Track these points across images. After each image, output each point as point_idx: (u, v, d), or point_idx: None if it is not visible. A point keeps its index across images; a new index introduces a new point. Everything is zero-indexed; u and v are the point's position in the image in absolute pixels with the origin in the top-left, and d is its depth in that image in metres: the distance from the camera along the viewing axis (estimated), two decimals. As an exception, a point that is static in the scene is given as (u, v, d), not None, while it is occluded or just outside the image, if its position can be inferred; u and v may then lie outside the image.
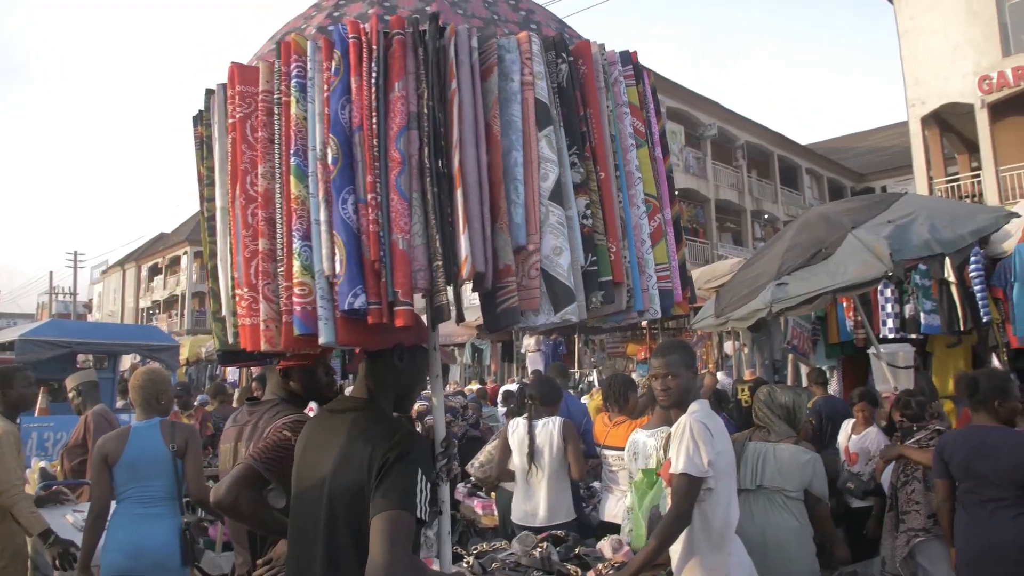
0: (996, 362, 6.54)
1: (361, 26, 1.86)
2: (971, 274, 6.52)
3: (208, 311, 2.54)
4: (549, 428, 4.77)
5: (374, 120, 1.80)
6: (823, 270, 4.81)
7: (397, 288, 1.74)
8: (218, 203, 2.07)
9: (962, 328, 6.68)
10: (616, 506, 4.65)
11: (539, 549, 3.72)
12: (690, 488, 2.99)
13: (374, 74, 1.81)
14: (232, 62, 2.00)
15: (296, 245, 1.80)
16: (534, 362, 14.08)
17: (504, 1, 2.19)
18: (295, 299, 1.78)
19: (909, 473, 4.66)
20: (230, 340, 2.04)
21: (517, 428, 4.92)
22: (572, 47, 2.11)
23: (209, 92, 2.14)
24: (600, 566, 3.46)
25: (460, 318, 2.40)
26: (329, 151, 1.79)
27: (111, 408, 9.77)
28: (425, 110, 1.82)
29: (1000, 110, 18.22)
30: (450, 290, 1.87)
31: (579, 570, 3.49)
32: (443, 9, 2.00)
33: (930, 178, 19.02)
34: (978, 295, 6.48)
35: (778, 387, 4.24)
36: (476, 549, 3.85)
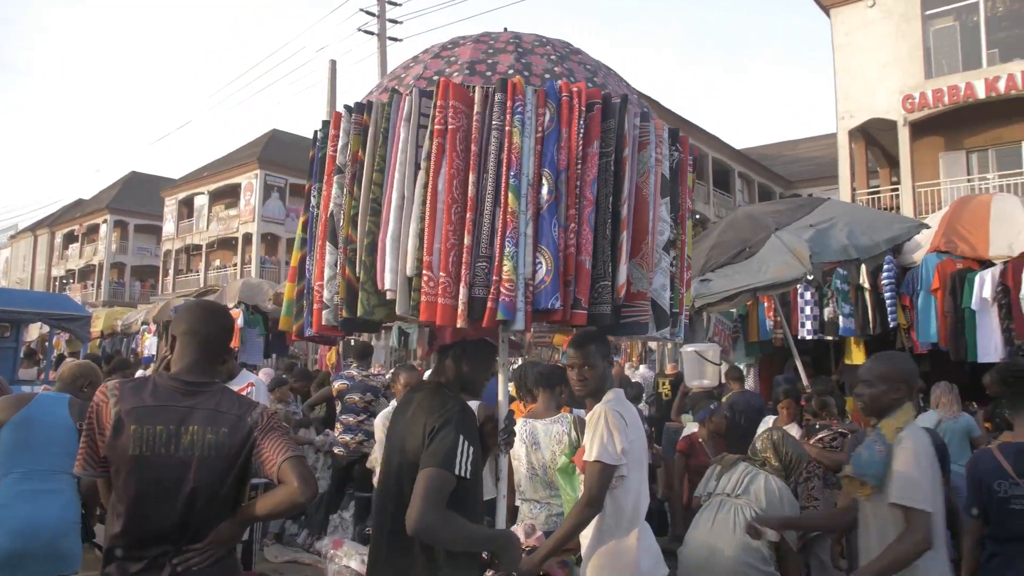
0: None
1: (572, 88, 2.40)
2: (883, 281, 6.79)
3: (335, 279, 2.57)
4: None
5: (578, 167, 2.36)
6: (745, 268, 4.91)
7: (580, 296, 2.32)
8: (395, 191, 2.35)
9: (872, 332, 6.95)
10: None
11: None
12: (603, 475, 3.02)
13: (581, 131, 2.37)
14: (443, 78, 2.41)
15: (508, 249, 2.24)
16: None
17: (612, 75, 2.76)
18: (503, 291, 2.22)
19: (811, 470, 4.81)
20: (410, 314, 2.33)
21: None
22: (680, 138, 2.83)
23: (394, 92, 2.49)
24: (512, 550, 3.47)
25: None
26: (545, 183, 2.30)
27: (13, 380, 9.29)
28: (611, 167, 2.44)
29: (920, 129, 19.01)
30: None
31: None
32: (572, 71, 2.57)
33: (853, 189, 19.71)
34: (888, 301, 6.75)
35: (790, 437, 4.28)
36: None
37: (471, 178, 2.31)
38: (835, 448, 4.59)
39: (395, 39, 20.05)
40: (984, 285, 6.39)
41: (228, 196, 37.80)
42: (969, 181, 18.73)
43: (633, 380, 10.43)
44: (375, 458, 5.20)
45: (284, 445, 2.24)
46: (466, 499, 2.40)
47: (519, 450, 4.18)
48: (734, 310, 7.17)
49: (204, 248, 38.31)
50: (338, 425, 7.27)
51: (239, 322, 12.11)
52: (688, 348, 6.98)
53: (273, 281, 20.66)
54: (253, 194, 35.61)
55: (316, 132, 2.83)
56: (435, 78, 2.48)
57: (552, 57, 2.63)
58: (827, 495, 4.60)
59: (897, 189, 19.75)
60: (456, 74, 2.49)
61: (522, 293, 2.24)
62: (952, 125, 18.95)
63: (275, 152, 36.52)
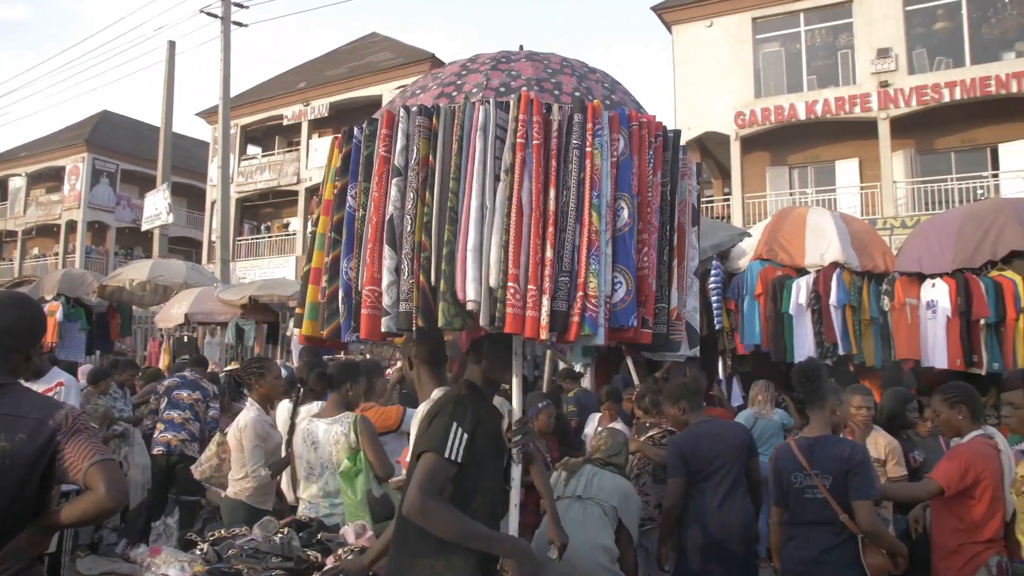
0: (720, 366, 7.29)
1: (640, 118, 2.52)
2: (710, 285, 7.19)
3: (395, 284, 2.46)
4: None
5: (648, 194, 2.50)
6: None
7: (647, 316, 2.45)
8: (474, 201, 2.33)
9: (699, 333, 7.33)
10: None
11: (280, 535, 3.60)
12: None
13: (650, 160, 2.51)
14: (524, 91, 2.42)
15: (593, 267, 2.30)
16: (299, 345, 13.64)
17: (630, 99, 2.78)
18: (589, 306, 2.28)
19: (642, 467, 5.01)
20: (494, 325, 2.32)
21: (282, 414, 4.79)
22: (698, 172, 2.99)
23: (467, 100, 2.45)
24: (340, 551, 3.40)
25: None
26: (625, 208, 2.40)
27: None
28: (668, 196, 2.60)
29: (749, 144, 20.36)
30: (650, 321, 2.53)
31: (319, 555, 3.42)
32: (624, 101, 2.68)
33: (688, 197, 20.73)
34: (714, 305, 7.16)
35: (610, 433, 4.54)
36: (212, 535, 3.67)
37: (551, 193, 2.34)
38: (664, 445, 4.80)
39: (240, 24, 19.24)
40: (800, 291, 6.91)
41: (49, 179, 35.00)
42: (791, 194, 20.23)
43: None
44: (207, 467, 4.89)
45: (90, 449, 2.09)
46: (471, 493, 2.45)
47: (300, 448, 4.17)
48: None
49: (20, 234, 35.25)
50: (159, 424, 6.86)
51: (58, 315, 11.30)
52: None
53: (99, 273, 19.34)
54: (79, 179, 33.15)
55: (353, 129, 2.68)
56: (501, 90, 2.48)
57: (605, 85, 2.72)
58: (657, 490, 4.79)
59: (728, 199, 21.03)
60: (525, 88, 2.48)
61: (603, 310, 2.32)
62: (778, 142, 20.43)
63: (105, 135, 34.14)
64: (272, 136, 29.21)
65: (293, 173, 27.26)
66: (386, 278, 2.40)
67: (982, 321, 6.68)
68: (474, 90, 2.52)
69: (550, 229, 2.32)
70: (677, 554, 4.31)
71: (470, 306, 2.32)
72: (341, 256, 2.57)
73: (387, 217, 2.43)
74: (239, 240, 28.05)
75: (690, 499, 4.21)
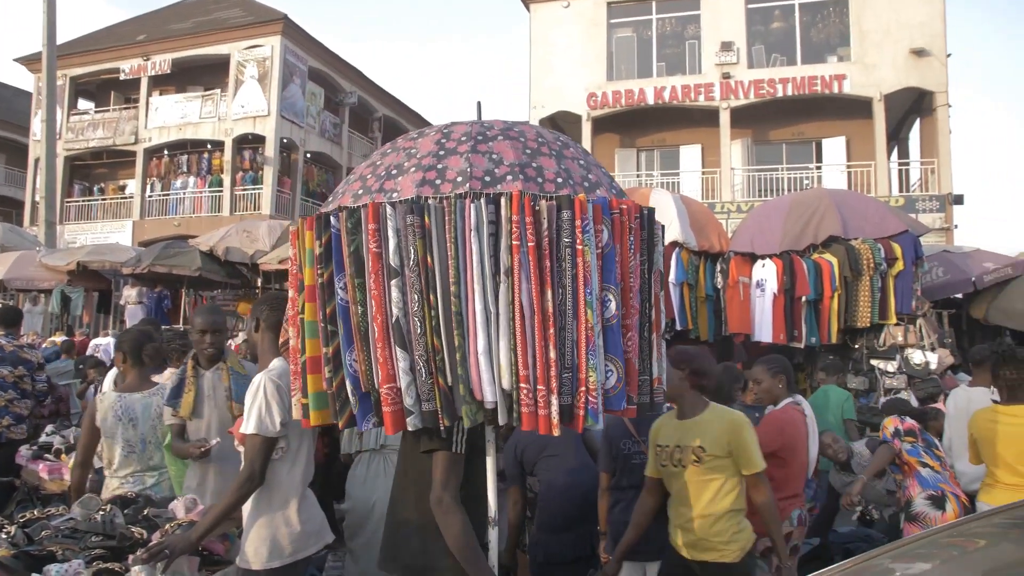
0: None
1: (621, 204, 2.52)
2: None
3: (413, 385, 2.44)
4: None
5: (631, 279, 2.54)
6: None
7: (631, 393, 2.54)
8: (478, 304, 2.34)
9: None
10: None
11: (103, 512, 3.41)
12: (262, 448, 2.96)
13: (631, 246, 2.54)
14: (515, 189, 2.40)
15: (592, 362, 2.36)
16: (134, 315, 12.88)
17: (603, 174, 2.79)
18: (591, 399, 2.36)
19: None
20: (512, 424, 2.40)
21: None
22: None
23: (458, 197, 2.39)
24: (168, 526, 3.26)
25: None
26: (612, 300, 2.44)
27: None
28: (645, 274, 2.64)
29: (600, 125, 20.94)
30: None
31: (144, 532, 3.26)
32: (599, 181, 2.70)
33: (540, 176, 21.09)
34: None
35: None
36: (23, 517, 3.45)
37: (548, 293, 2.37)
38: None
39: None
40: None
41: None
42: (638, 176, 21.02)
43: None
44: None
45: None
46: (465, 482, 2.61)
47: (114, 427, 4.02)
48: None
49: None
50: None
51: None
52: None
53: None
54: None
55: (330, 218, 2.50)
56: (487, 179, 2.45)
57: (581, 163, 2.72)
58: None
59: (579, 179, 21.51)
60: (510, 177, 2.47)
61: (600, 399, 2.41)
62: (627, 125, 21.13)
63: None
64: (107, 91, 27.14)
65: (131, 132, 25.46)
66: (403, 379, 2.40)
67: (803, 298, 7.21)
68: (459, 179, 2.45)
69: (551, 330, 2.36)
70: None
71: (488, 405, 2.39)
72: (342, 348, 2.51)
73: (393, 320, 2.40)
74: (68, 202, 26.02)
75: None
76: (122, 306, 13.89)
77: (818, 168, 20.10)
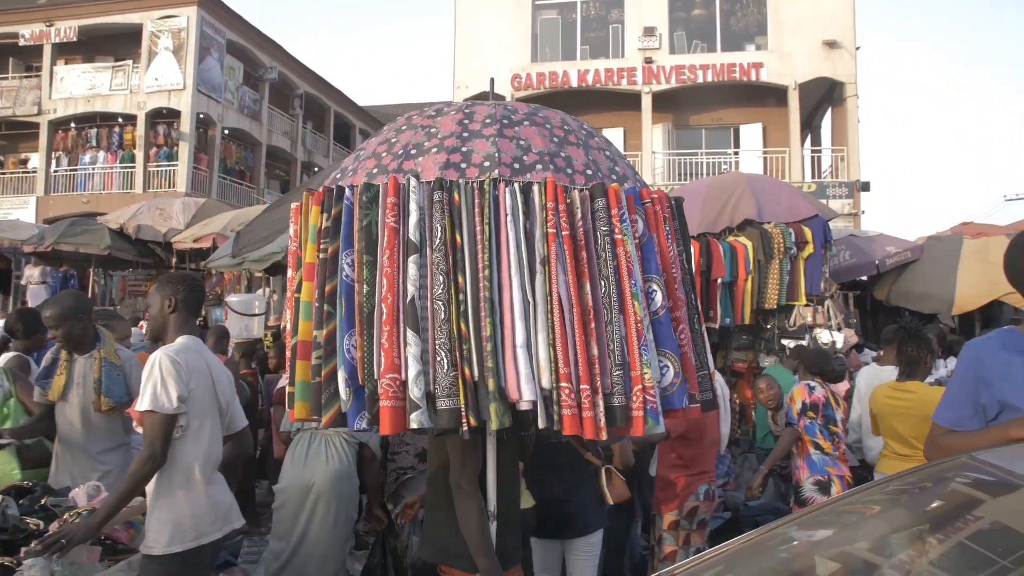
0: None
1: (652, 194, 2.47)
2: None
3: (422, 376, 2.15)
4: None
5: (673, 270, 2.44)
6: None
7: (692, 391, 2.40)
8: (516, 294, 2.20)
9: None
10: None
11: (-7, 503, 3.25)
12: (161, 426, 2.88)
13: (668, 235, 2.46)
14: (550, 176, 2.30)
15: (645, 356, 2.22)
16: (36, 295, 12.34)
17: (627, 166, 2.70)
18: (649, 398, 2.20)
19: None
20: (552, 427, 2.18)
21: None
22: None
23: (494, 181, 2.29)
24: (67, 515, 3.14)
25: None
26: (657, 290, 2.34)
27: None
28: (685, 265, 2.58)
29: (525, 106, 20.91)
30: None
31: (41, 523, 3.12)
32: (625, 174, 2.61)
33: (464, 156, 21.05)
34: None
35: None
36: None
37: (587, 286, 2.24)
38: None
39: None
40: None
41: None
42: (562, 159, 21.07)
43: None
44: None
45: None
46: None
47: None
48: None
49: None
50: None
51: None
52: (232, 299, 6.81)
53: None
54: None
55: (344, 190, 2.31)
56: (516, 166, 2.34)
57: (607, 154, 2.62)
58: (416, 439, 4.87)
59: (502, 161, 21.52)
60: (539, 167, 2.35)
61: (658, 398, 2.26)
62: (550, 107, 21.10)
63: None
64: (5, 57, 25.68)
65: (33, 103, 24.19)
66: (412, 368, 2.15)
67: (719, 280, 7.39)
68: (486, 163, 2.33)
69: (591, 324, 2.22)
70: None
71: (524, 406, 2.17)
72: (339, 332, 2.26)
73: (408, 299, 2.18)
74: (-37, 175, 24.65)
75: None
76: (23, 286, 13.29)
77: (736, 153, 20.61)
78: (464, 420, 2.14)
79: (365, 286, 2.24)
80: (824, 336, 8.12)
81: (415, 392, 2.13)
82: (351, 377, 2.23)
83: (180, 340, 3.04)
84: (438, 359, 2.16)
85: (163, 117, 23.61)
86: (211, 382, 3.09)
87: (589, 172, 2.43)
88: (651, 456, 4.73)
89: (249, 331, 7.14)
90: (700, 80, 20.01)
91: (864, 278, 10.04)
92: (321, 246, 2.34)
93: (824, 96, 21.16)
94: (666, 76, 20.11)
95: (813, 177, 20.59)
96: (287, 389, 2.44)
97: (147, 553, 2.94)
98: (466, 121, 2.47)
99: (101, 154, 23.94)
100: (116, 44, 24.27)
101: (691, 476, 4.31)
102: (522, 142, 2.42)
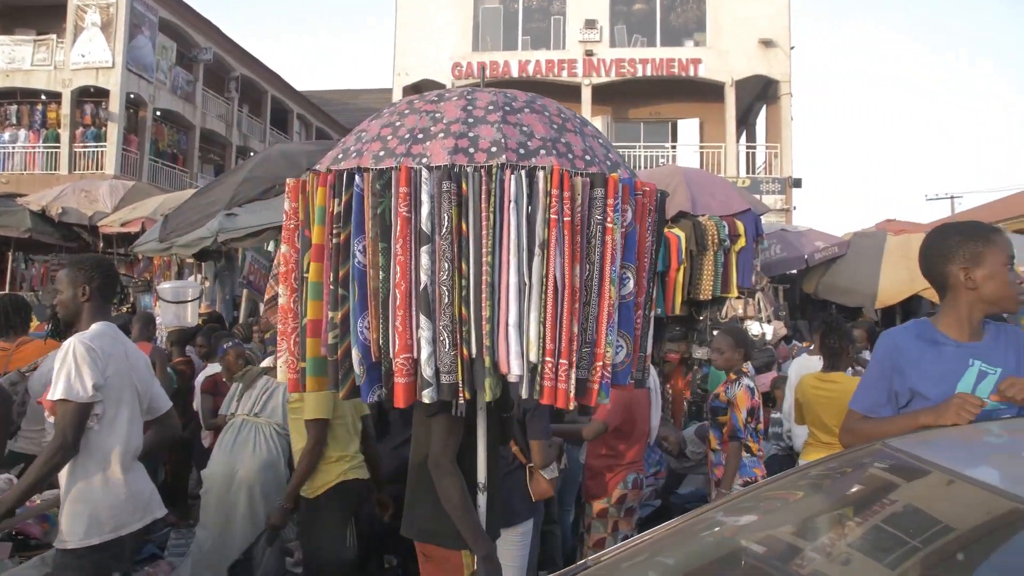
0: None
1: (644, 187, 2.60)
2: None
3: (434, 357, 2.34)
4: None
5: (645, 259, 2.62)
6: (274, 205, 4.86)
7: (634, 369, 2.61)
8: (513, 276, 2.32)
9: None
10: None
11: None
12: (75, 415, 2.78)
13: (649, 227, 2.64)
14: (557, 164, 2.39)
15: (610, 337, 2.41)
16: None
17: (622, 163, 2.78)
18: (605, 374, 2.40)
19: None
20: (533, 397, 2.36)
21: None
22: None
23: (500, 167, 2.38)
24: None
25: None
26: (631, 278, 2.52)
27: None
28: (653, 256, 2.71)
29: (465, 95, 20.83)
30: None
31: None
32: (618, 162, 2.71)
33: (403, 144, 20.92)
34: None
35: None
36: None
37: (577, 269, 2.39)
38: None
39: None
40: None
41: None
42: (503, 150, 21.08)
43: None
44: None
45: None
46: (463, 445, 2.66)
47: None
48: (271, 248, 7.08)
49: None
50: None
51: None
52: (164, 286, 6.60)
53: None
54: None
55: (355, 176, 2.37)
56: (521, 151, 2.43)
57: (600, 141, 2.75)
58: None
59: (442, 149, 21.43)
60: (543, 152, 2.46)
61: (612, 374, 2.47)
62: (491, 97, 21.10)
63: None
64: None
65: (-49, 77, 23.12)
66: (425, 349, 2.32)
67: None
68: (493, 148, 2.42)
69: (576, 304, 2.38)
70: None
71: (512, 379, 2.36)
72: (352, 315, 2.41)
73: (421, 287, 2.33)
74: None
75: None
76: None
77: (673, 147, 20.90)
78: (460, 394, 2.35)
79: (380, 272, 2.37)
80: (754, 328, 8.31)
81: (427, 371, 2.32)
82: (365, 355, 2.39)
83: (95, 327, 2.95)
84: (440, 339, 2.33)
85: (90, 96, 22.76)
86: (128, 368, 3.00)
87: (588, 158, 2.55)
88: (581, 445, 4.78)
89: (182, 319, 6.94)
90: (639, 74, 20.22)
91: (794, 272, 10.31)
92: (334, 231, 2.43)
93: (759, 93, 21.61)
94: (606, 69, 20.26)
95: (748, 172, 21.04)
96: (287, 365, 2.55)
97: (61, 547, 2.84)
98: (469, 107, 2.56)
99: (22, 132, 22.94)
100: (38, 16, 23.31)
101: (620, 465, 4.38)
102: (525, 128, 2.53)
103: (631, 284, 2.53)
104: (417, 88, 20.85)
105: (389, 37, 21.44)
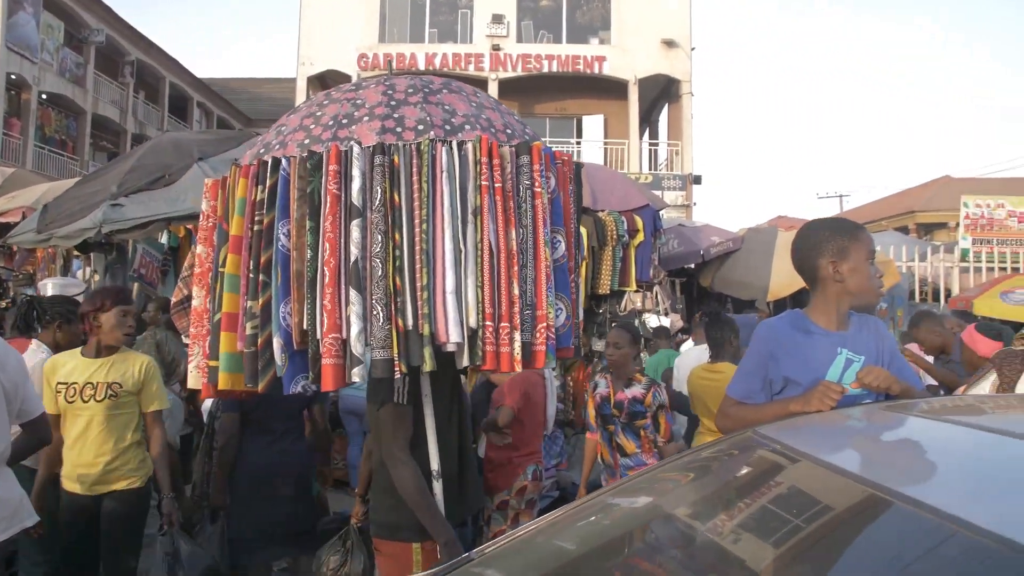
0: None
1: (562, 156, 2.75)
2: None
3: (365, 331, 2.28)
4: None
5: (572, 225, 2.74)
6: (163, 196, 4.69)
7: (574, 335, 2.68)
8: (448, 243, 2.36)
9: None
10: None
11: None
12: None
13: (572, 192, 2.79)
14: (484, 135, 2.51)
15: (550, 298, 2.49)
16: None
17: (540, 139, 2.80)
18: (549, 336, 2.48)
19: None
20: (475, 363, 2.39)
21: None
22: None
23: (431, 141, 2.43)
24: None
25: None
26: (561, 241, 2.61)
27: None
28: (576, 224, 2.84)
29: (371, 87, 20.58)
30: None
31: None
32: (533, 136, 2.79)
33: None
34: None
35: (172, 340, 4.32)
36: None
37: (512, 233, 2.45)
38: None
39: None
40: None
41: None
42: (411, 142, 20.94)
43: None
44: None
45: None
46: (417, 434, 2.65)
47: None
48: (164, 241, 6.82)
49: None
50: None
51: None
52: (47, 282, 6.29)
53: None
54: None
55: (280, 161, 2.41)
56: (447, 128, 2.50)
57: (516, 118, 2.84)
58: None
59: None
60: (468, 127, 2.54)
61: (556, 335, 2.53)
62: (398, 89, 20.92)
63: None
64: None
65: None
66: (355, 325, 2.29)
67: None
68: (420, 127, 2.49)
69: (515, 268, 2.44)
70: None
71: (450, 347, 2.36)
72: (275, 300, 2.37)
73: (352, 261, 2.31)
74: None
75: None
76: None
77: (578, 143, 21.20)
78: (396, 367, 2.30)
79: (309, 251, 2.35)
80: (652, 320, 8.54)
81: (357, 348, 2.28)
82: (287, 343, 2.35)
83: None
84: (374, 313, 2.30)
85: (-34, 76, 21.42)
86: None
87: (508, 131, 2.67)
88: (479, 437, 4.81)
89: None
90: (545, 70, 20.41)
91: (691, 266, 10.60)
92: (256, 218, 2.41)
93: (662, 92, 22.14)
94: (513, 64, 20.37)
95: (650, 169, 21.54)
96: (200, 368, 2.48)
97: None
98: (390, 92, 2.63)
99: None
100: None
101: (519, 457, 4.42)
102: (447, 107, 2.61)
103: (562, 247, 2.63)
104: (322, 79, 20.48)
105: (294, 25, 20.94)
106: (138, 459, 3.71)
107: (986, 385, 3.10)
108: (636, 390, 4.44)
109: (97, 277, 9.54)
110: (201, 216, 2.65)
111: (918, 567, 1.26)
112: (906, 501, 1.30)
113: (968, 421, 1.85)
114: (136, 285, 7.40)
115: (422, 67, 20.22)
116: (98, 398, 3.57)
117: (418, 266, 2.34)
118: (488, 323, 2.38)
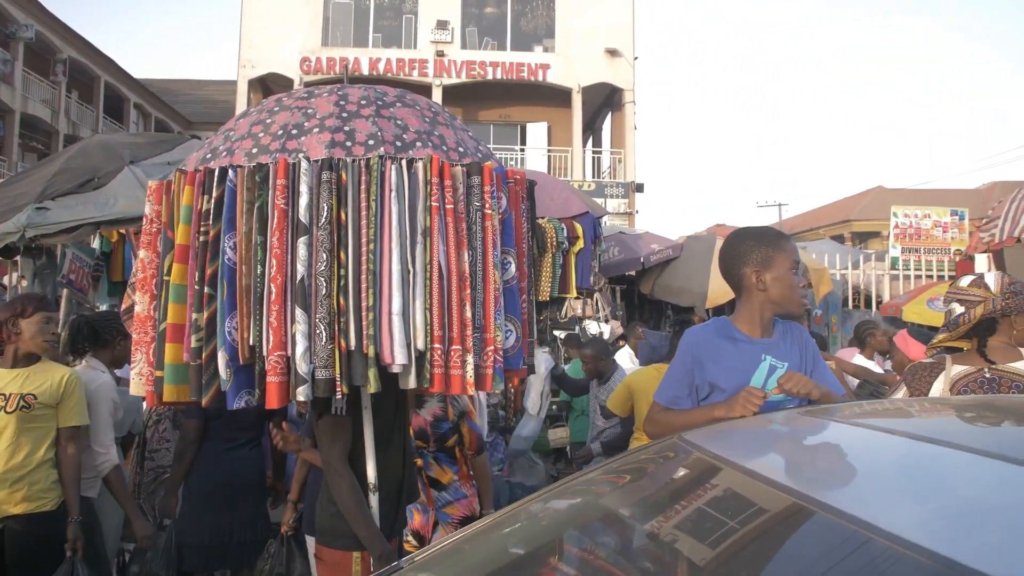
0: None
1: (515, 175, 2.71)
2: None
3: (309, 351, 2.25)
4: None
5: (523, 245, 2.69)
6: (92, 200, 4.58)
7: (525, 354, 2.64)
8: (396, 264, 2.32)
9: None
10: None
11: None
12: None
13: (524, 214, 2.74)
14: (435, 155, 2.45)
15: (498, 321, 2.45)
16: None
17: (493, 156, 2.83)
18: (497, 359, 2.44)
19: (161, 412, 4.76)
20: (422, 385, 2.37)
21: None
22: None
23: (380, 158, 2.39)
24: None
25: None
26: (512, 262, 2.56)
27: None
28: (530, 243, 2.82)
29: (314, 91, 20.38)
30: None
31: None
32: (488, 154, 2.78)
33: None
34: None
35: None
36: None
37: (465, 255, 2.42)
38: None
39: None
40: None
41: None
42: (354, 147, 20.80)
43: None
44: None
45: None
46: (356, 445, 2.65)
47: None
48: (96, 246, 6.64)
49: None
50: None
51: None
52: None
53: None
54: None
55: (227, 171, 2.33)
56: (398, 144, 2.45)
57: (470, 134, 2.81)
58: (176, 436, 4.58)
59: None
60: (419, 144, 2.49)
61: (504, 358, 2.51)
62: (341, 94, 20.76)
63: None
64: None
65: None
66: (300, 344, 2.25)
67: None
68: (370, 142, 2.43)
69: (466, 290, 2.40)
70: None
71: (395, 369, 2.33)
72: (219, 314, 2.31)
73: (298, 279, 2.27)
74: None
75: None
76: None
77: (522, 150, 21.31)
78: (338, 388, 2.28)
79: (258, 266, 2.31)
80: (592, 327, 8.62)
81: (302, 368, 2.26)
82: (232, 358, 2.31)
83: None
84: (317, 332, 2.28)
85: None
86: None
87: (460, 150, 2.61)
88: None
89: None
90: (490, 77, 20.48)
91: (632, 273, 10.74)
92: (201, 228, 2.35)
93: (605, 100, 22.40)
94: (457, 70, 20.39)
95: (593, 177, 21.73)
96: (142, 375, 2.42)
97: None
98: (342, 102, 2.56)
99: None
100: None
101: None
102: (399, 121, 2.56)
103: (512, 268, 2.60)
104: (263, 82, 20.21)
105: (236, 27, 20.62)
106: (51, 479, 3.42)
107: (898, 398, 3.22)
108: (432, 407, 3.89)
109: (24, 283, 9.24)
110: (144, 220, 2.56)
111: (832, 573, 1.29)
112: (820, 507, 1.34)
113: (881, 425, 1.92)
114: (65, 291, 7.20)
115: (366, 72, 20.10)
116: (8, 409, 3.34)
117: (363, 286, 2.30)
118: (437, 345, 2.36)
